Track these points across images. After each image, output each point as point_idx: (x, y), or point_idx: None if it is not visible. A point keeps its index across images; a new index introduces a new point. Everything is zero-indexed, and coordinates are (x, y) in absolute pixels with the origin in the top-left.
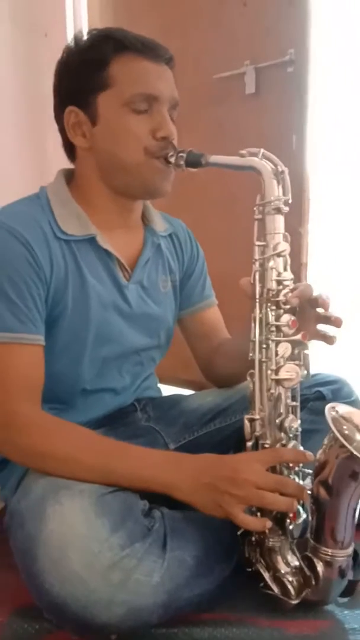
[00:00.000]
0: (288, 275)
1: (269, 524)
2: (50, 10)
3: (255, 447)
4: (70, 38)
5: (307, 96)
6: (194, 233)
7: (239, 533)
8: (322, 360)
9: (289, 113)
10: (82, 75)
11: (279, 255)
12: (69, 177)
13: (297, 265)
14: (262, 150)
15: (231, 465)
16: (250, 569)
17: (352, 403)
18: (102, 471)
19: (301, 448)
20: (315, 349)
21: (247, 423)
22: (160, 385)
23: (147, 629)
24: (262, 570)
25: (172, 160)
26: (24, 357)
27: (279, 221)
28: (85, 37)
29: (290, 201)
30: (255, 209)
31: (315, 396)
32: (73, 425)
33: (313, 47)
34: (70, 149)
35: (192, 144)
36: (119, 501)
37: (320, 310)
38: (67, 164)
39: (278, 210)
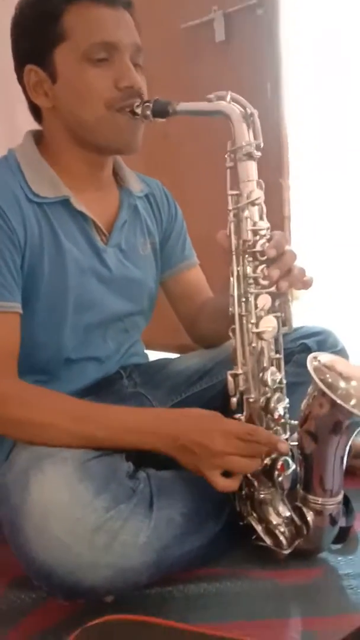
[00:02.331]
0: (264, 224)
1: (237, 484)
2: None
3: (240, 402)
4: None
5: (279, 40)
6: (172, 195)
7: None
8: (308, 313)
9: (262, 60)
10: (36, 31)
11: (253, 203)
12: (38, 138)
13: (280, 218)
14: (229, 93)
15: (208, 434)
16: (242, 523)
17: (338, 352)
18: (83, 435)
19: (286, 400)
20: (300, 304)
21: (230, 379)
22: (149, 352)
23: (141, 589)
24: (253, 523)
25: (139, 110)
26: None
27: (252, 168)
28: None
29: (262, 145)
30: (226, 156)
31: (301, 349)
32: (51, 391)
33: None
34: (35, 110)
35: (162, 97)
36: (103, 465)
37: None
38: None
39: (250, 156)
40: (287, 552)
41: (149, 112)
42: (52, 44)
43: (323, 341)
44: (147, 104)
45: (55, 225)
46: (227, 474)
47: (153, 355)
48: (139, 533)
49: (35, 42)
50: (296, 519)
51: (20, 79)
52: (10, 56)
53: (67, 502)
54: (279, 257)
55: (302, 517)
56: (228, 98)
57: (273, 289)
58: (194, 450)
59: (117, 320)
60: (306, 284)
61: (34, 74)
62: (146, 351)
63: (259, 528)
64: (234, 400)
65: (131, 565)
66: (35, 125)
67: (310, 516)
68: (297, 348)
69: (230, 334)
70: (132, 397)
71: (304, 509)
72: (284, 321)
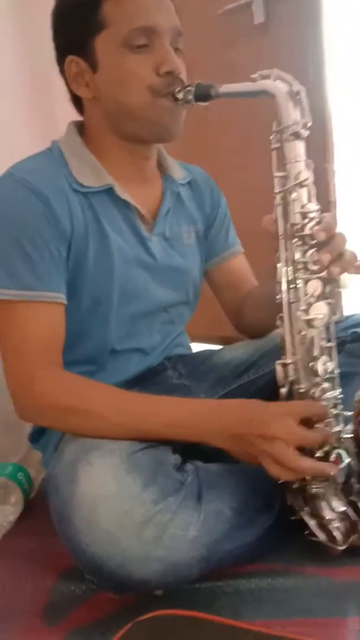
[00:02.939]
0: (313, 206)
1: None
2: None
3: (290, 393)
4: None
5: (321, 21)
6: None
7: (279, 482)
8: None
9: (304, 42)
10: (75, 21)
11: (301, 185)
12: (80, 129)
13: (325, 204)
14: (275, 70)
15: (263, 420)
16: (294, 518)
17: None
18: (132, 425)
19: (339, 390)
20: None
21: (279, 369)
22: (194, 344)
23: (191, 584)
24: (306, 518)
25: (180, 96)
26: (43, 317)
27: (299, 147)
28: None
29: (309, 124)
30: (272, 137)
31: (352, 337)
32: (98, 382)
33: None
34: (77, 101)
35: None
36: (150, 457)
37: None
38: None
39: (297, 136)
40: (341, 548)
41: (190, 97)
42: (91, 32)
43: None
44: (189, 88)
45: (100, 215)
46: None
47: (196, 347)
48: (188, 527)
49: (75, 32)
50: (351, 514)
51: (62, 71)
52: (51, 51)
53: (115, 495)
54: (329, 240)
55: (358, 512)
56: (273, 76)
57: (324, 274)
58: (248, 440)
59: (162, 311)
60: (359, 269)
61: (74, 64)
62: (190, 344)
63: (311, 523)
64: (283, 390)
65: (181, 559)
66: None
67: None
68: (348, 337)
69: (279, 322)
70: (177, 389)
71: None
72: (335, 308)
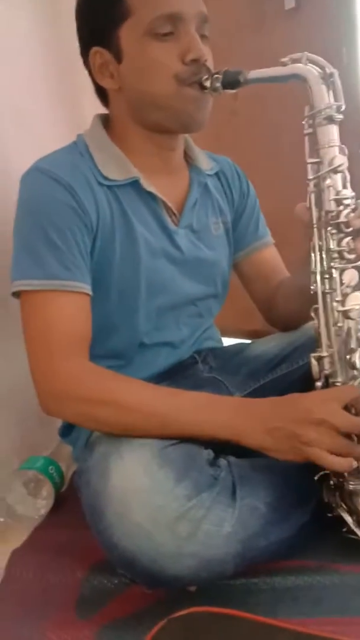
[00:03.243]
0: (348, 192)
1: (354, 463)
2: None
3: (326, 386)
4: None
5: (355, 1)
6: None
7: (316, 478)
8: None
9: (336, 24)
10: (98, 11)
11: (335, 171)
12: (105, 122)
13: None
14: (305, 53)
15: (304, 406)
16: (331, 514)
17: None
18: (163, 420)
19: None
20: None
21: (314, 362)
22: (222, 338)
23: (225, 580)
24: (344, 515)
25: (207, 84)
26: (69, 307)
27: (333, 132)
28: None
29: (343, 107)
30: (304, 122)
31: None
32: (126, 376)
33: None
34: (102, 93)
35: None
36: (182, 452)
37: None
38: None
39: (330, 120)
40: None
41: (218, 84)
42: (115, 22)
43: None
44: (217, 75)
45: (126, 208)
46: None
47: (226, 341)
48: (222, 522)
49: (99, 23)
50: None
51: (86, 63)
52: (76, 44)
53: (148, 489)
54: None
55: None
56: (304, 60)
57: None
58: (290, 429)
59: (190, 304)
60: None
61: (99, 55)
62: (220, 337)
63: (349, 520)
64: (319, 384)
65: (215, 555)
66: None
67: None
68: None
69: (313, 314)
70: (208, 383)
71: None
72: None
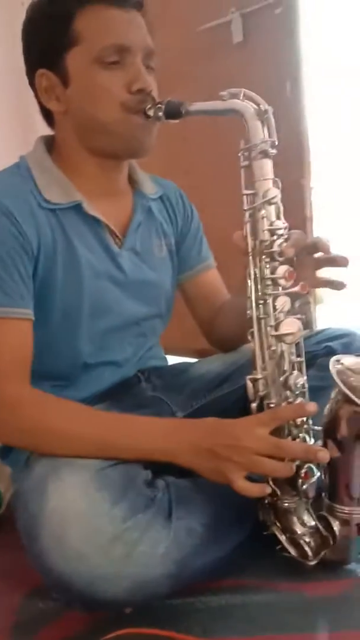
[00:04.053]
0: (281, 223)
1: (268, 489)
2: None
3: (260, 407)
4: None
5: (298, 38)
6: (190, 197)
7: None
8: (331, 315)
9: (281, 59)
10: (47, 34)
11: (269, 202)
12: (50, 144)
13: (302, 219)
14: (243, 90)
15: (231, 432)
16: (265, 533)
17: None
18: (100, 444)
19: None
20: (324, 304)
21: (249, 384)
22: (169, 356)
23: (162, 601)
24: (277, 533)
25: (151, 113)
26: (11, 333)
27: (267, 166)
28: None
29: (276, 143)
30: (240, 154)
31: (325, 351)
32: (68, 401)
33: None
34: (47, 115)
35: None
36: (120, 473)
37: (320, 254)
38: None
39: (265, 154)
40: (313, 563)
41: (161, 114)
42: (63, 47)
43: (349, 344)
44: (160, 105)
45: (69, 231)
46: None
47: (171, 360)
48: (157, 544)
49: (47, 46)
50: (322, 528)
51: (32, 84)
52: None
53: (85, 511)
54: (298, 255)
55: (328, 526)
56: (241, 95)
57: (293, 289)
58: (218, 453)
59: (134, 325)
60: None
61: (45, 78)
62: (164, 356)
63: (283, 538)
64: (254, 405)
65: (151, 576)
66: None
67: (336, 526)
68: (321, 351)
69: (249, 337)
70: (151, 402)
71: (330, 519)
72: (305, 323)
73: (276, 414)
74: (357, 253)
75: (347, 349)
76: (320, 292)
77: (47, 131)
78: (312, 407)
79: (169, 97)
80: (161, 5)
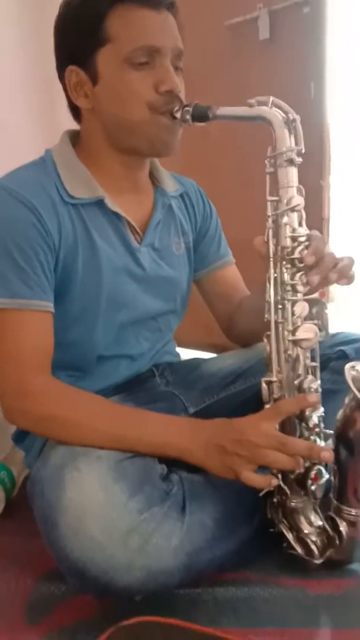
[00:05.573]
0: (303, 231)
1: (274, 481)
2: None
3: None
4: None
5: (324, 39)
6: (209, 196)
7: (260, 494)
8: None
9: (306, 59)
10: (79, 32)
11: (292, 210)
12: (75, 138)
13: (319, 221)
14: (271, 97)
15: (238, 427)
16: (273, 530)
17: None
18: (115, 436)
19: (322, 409)
20: (338, 308)
21: (264, 386)
22: (181, 349)
23: (170, 591)
24: (285, 531)
25: (178, 115)
26: (34, 324)
27: (292, 173)
28: None
29: (303, 151)
30: (266, 161)
31: (338, 355)
32: (85, 392)
33: None
34: (75, 110)
35: (205, 97)
36: (137, 466)
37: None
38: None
39: (291, 162)
40: (318, 561)
41: (188, 117)
42: (94, 46)
43: None
44: (187, 108)
45: (90, 226)
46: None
47: (185, 353)
48: (171, 536)
49: (78, 44)
50: (328, 529)
51: (61, 79)
52: (53, 55)
53: (103, 502)
54: (318, 262)
55: (335, 527)
56: (270, 103)
57: (311, 296)
58: (226, 449)
59: (150, 319)
60: (350, 279)
61: (75, 74)
62: (178, 349)
63: (290, 536)
64: (268, 407)
65: (163, 567)
66: (75, 125)
67: (343, 527)
68: (334, 355)
69: (265, 340)
70: (164, 397)
71: (337, 519)
72: (321, 328)
73: (279, 408)
74: None
75: None
76: (332, 290)
77: (71, 125)
78: (313, 397)
79: (195, 90)
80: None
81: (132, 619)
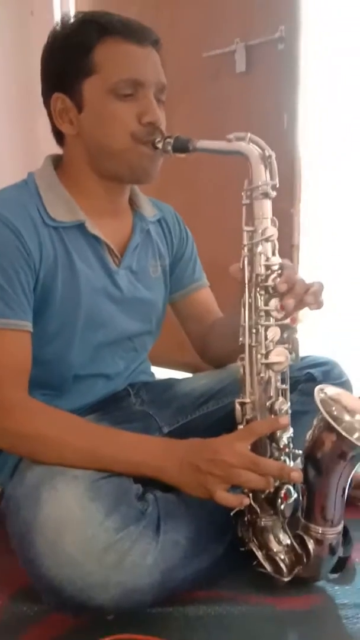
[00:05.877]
0: (276, 260)
1: (246, 500)
2: None
3: None
4: (57, 15)
5: (298, 74)
6: (185, 219)
7: (231, 514)
8: (312, 342)
9: (280, 91)
10: (66, 61)
11: (267, 240)
12: (57, 162)
13: (288, 247)
14: (249, 134)
15: (212, 447)
16: (243, 548)
17: (343, 384)
18: (91, 456)
19: (291, 430)
20: (306, 332)
21: (238, 407)
22: (155, 368)
23: (143, 609)
24: (254, 549)
25: (159, 145)
26: (13, 343)
27: (267, 206)
28: (71, 21)
29: (277, 186)
30: (243, 194)
31: (306, 378)
32: (60, 411)
33: (304, 24)
34: (58, 135)
35: (182, 124)
36: (113, 486)
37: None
38: (59, 149)
39: (265, 195)
40: (286, 579)
41: (169, 148)
42: (81, 75)
43: (328, 372)
44: (169, 139)
45: (70, 248)
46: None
47: (159, 371)
48: (146, 555)
49: (66, 72)
50: (297, 547)
51: (47, 105)
52: (37, 79)
53: (80, 520)
54: (290, 289)
55: (303, 545)
56: (247, 139)
57: (284, 322)
58: (201, 468)
59: (126, 340)
60: (320, 304)
61: (60, 101)
62: (153, 367)
63: (259, 554)
64: (241, 427)
65: (139, 585)
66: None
67: (310, 544)
68: (302, 377)
69: (239, 362)
70: (139, 416)
71: (305, 538)
72: (291, 352)
73: (252, 429)
74: (340, 277)
75: (327, 377)
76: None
77: (52, 148)
78: (284, 420)
79: (174, 116)
80: (171, 28)
81: (107, 637)
